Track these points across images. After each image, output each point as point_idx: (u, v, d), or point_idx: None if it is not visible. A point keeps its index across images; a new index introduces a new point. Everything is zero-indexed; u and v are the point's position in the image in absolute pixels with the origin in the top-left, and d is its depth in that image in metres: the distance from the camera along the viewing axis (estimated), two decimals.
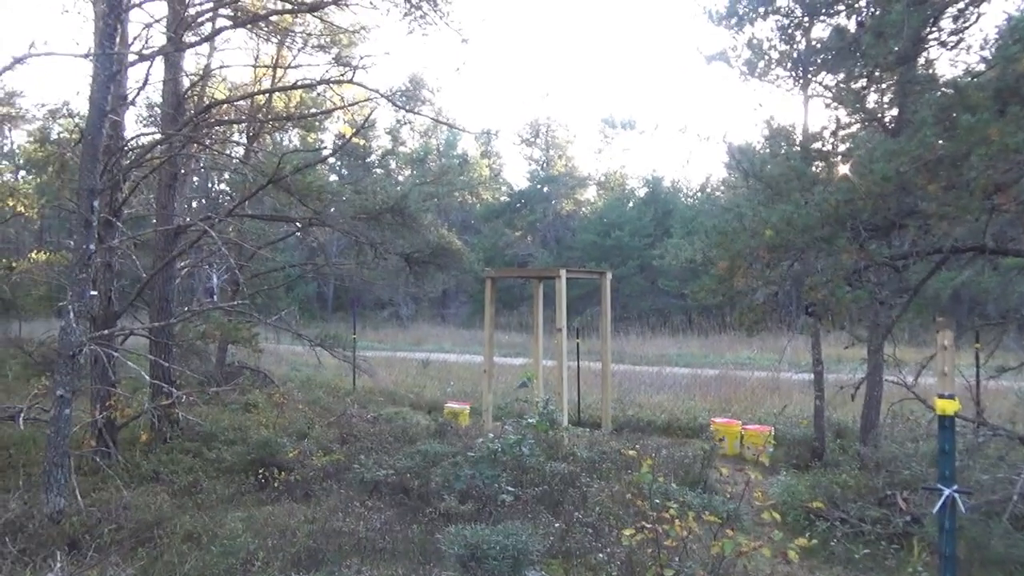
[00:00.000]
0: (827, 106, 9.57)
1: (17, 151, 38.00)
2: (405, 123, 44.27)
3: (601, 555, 5.97)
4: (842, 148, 8.37)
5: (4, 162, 36.71)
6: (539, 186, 46.39)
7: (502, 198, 49.05)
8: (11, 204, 19.29)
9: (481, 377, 13.26)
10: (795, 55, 9.84)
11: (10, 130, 32.28)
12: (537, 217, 44.25)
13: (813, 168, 7.51)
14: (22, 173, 36.04)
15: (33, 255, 18.60)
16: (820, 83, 9.92)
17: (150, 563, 5.96)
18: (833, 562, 6.57)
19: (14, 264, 17.64)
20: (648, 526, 4.35)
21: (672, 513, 4.40)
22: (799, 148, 7.76)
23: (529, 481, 7.92)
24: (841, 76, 9.13)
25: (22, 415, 9.60)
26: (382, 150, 46.19)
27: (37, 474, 7.80)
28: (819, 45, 9.56)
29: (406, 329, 34.05)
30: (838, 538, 6.84)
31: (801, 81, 9.99)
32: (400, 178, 43.10)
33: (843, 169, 7.48)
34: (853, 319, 7.01)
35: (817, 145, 8.18)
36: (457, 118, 53.22)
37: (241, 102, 13.74)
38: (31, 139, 21.96)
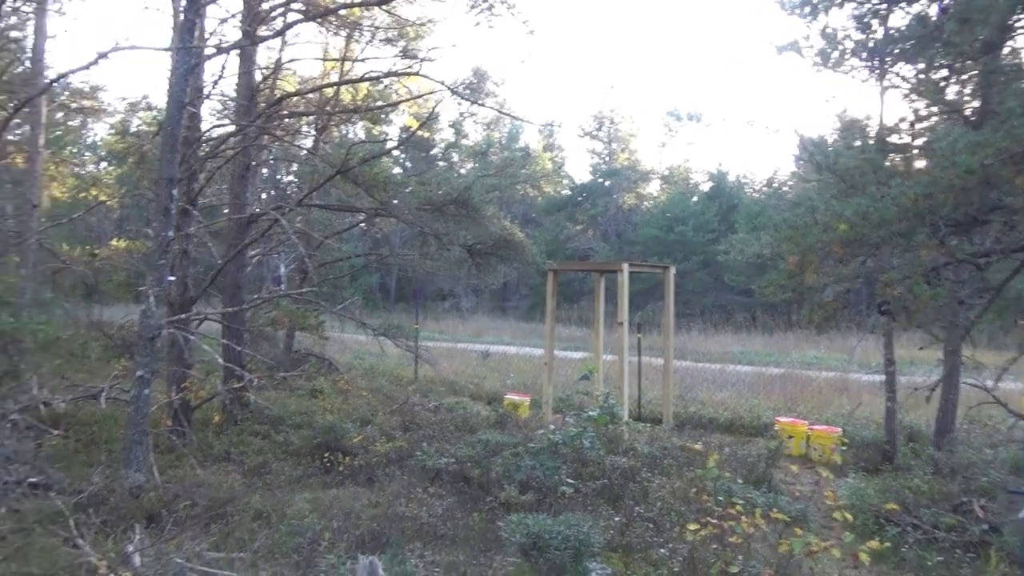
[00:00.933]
0: (905, 97, 9.21)
1: (99, 143, 39.73)
2: (468, 115, 44.57)
3: (663, 550, 5.93)
4: (920, 141, 8.07)
5: (87, 153, 38.41)
6: (601, 179, 46.04)
7: (564, 191, 48.89)
8: (95, 193, 20.22)
9: (541, 369, 13.28)
10: (871, 44, 9.49)
11: (93, 123, 33.69)
12: (599, 211, 43.94)
13: (889, 161, 7.27)
14: (103, 164, 37.69)
15: (114, 243, 19.46)
16: (897, 73, 9.54)
17: (222, 539, 6.19)
18: (904, 568, 6.36)
19: (96, 251, 18.50)
20: (713, 522, 4.29)
21: (739, 509, 4.33)
22: (875, 140, 7.51)
23: (589, 474, 7.91)
24: (921, 66, 8.78)
25: (103, 394, 10.10)
26: (445, 143, 46.56)
27: (118, 450, 8.16)
28: (897, 34, 9.21)
29: (466, 321, 34.32)
30: (910, 544, 6.62)
31: (877, 72, 9.63)
32: (462, 171, 43.35)
33: (921, 162, 7.22)
34: (930, 319, 6.75)
35: (894, 138, 7.91)
36: (520, 110, 53.29)
37: (311, 95, 14.04)
38: (112, 131, 22.98)
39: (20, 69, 15.39)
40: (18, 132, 17.90)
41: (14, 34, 15.52)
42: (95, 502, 6.70)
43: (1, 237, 7.69)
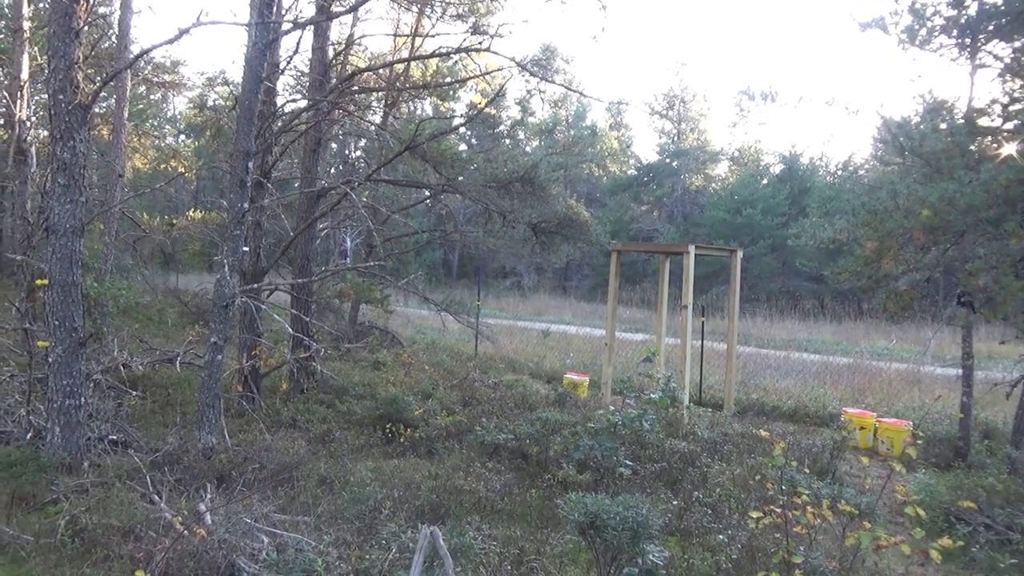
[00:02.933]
0: (997, 77, 8.72)
1: (179, 116, 41.09)
2: (536, 93, 44.07)
3: (721, 536, 5.86)
4: (1013, 124, 7.64)
5: (167, 126, 39.79)
6: (668, 160, 45.28)
7: (630, 171, 48.28)
8: (174, 165, 20.98)
9: (601, 350, 13.22)
10: (963, 21, 9.01)
11: (173, 96, 34.86)
12: (665, 192, 43.27)
13: (978, 144, 6.91)
14: (182, 137, 39.02)
15: (190, 213, 20.22)
16: (990, 52, 9.04)
17: (288, 502, 6.40)
18: (974, 569, 6.14)
19: (174, 221, 19.26)
20: (777, 511, 4.21)
21: (804, 499, 4.24)
22: (963, 123, 7.14)
23: (648, 457, 7.88)
24: (1017, 44, 8.30)
25: (179, 358, 10.53)
26: (512, 120, 46.46)
27: (191, 413, 8.51)
28: (993, 9, 8.71)
29: (527, 299, 34.39)
30: (981, 544, 6.38)
31: (968, 50, 9.14)
32: (528, 148, 43.24)
33: (1013, 146, 6.84)
34: (1016, 311, 6.42)
35: (984, 120, 7.52)
36: (589, 88, 52.67)
37: (381, 70, 14.17)
38: (191, 105, 23.74)
39: (107, 44, 15.99)
40: (104, 105, 18.67)
41: (102, 9, 16.10)
42: (170, 461, 7.03)
43: (88, 206, 8.07)
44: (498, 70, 12.80)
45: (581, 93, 12.94)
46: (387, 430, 8.81)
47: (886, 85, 57.16)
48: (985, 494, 7.27)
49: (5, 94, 13.10)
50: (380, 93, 14.84)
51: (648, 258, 35.32)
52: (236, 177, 7.55)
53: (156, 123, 34.23)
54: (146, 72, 19.44)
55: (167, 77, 20.55)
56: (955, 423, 9.62)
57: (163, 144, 24.28)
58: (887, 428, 10.08)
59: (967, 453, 9.06)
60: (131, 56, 13.87)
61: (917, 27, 9.21)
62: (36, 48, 14.12)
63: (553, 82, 12.57)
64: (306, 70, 13.00)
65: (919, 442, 9.38)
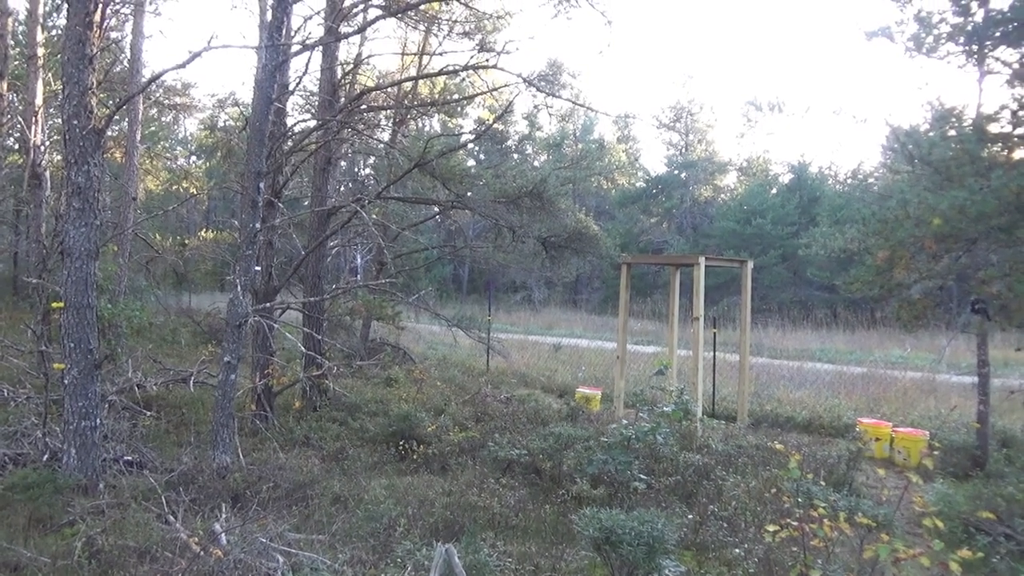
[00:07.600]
0: (1006, 83, 8.70)
1: (190, 138, 41.49)
2: (543, 107, 44.21)
3: (738, 550, 5.82)
4: (1023, 130, 7.62)
5: (179, 148, 40.15)
6: (677, 171, 45.26)
7: (638, 184, 48.27)
8: (186, 186, 21.19)
9: (613, 363, 13.19)
10: (969, 28, 9.00)
11: (184, 118, 35.19)
12: (674, 203, 43.22)
13: (988, 151, 6.88)
14: (193, 158, 39.39)
15: (202, 233, 20.40)
16: (998, 58, 9.02)
17: (302, 520, 6.40)
18: None
19: (186, 241, 19.43)
20: (794, 524, 4.18)
21: (821, 512, 4.21)
22: (972, 129, 7.11)
23: (662, 470, 7.84)
24: None
25: (192, 378, 10.57)
26: (519, 135, 46.58)
27: (205, 432, 8.54)
28: (999, 16, 8.70)
29: (538, 313, 34.34)
30: (1002, 555, 6.29)
31: (975, 57, 9.12)
32: (536, 163, 43.33)
33: None
34: None
35: (993, 127, 7.49)
36: (596, 102, 52.87)
37: (389, 89, 14.28)
38: (202, 126, 24.00)
39: (119, 69, 16.21)
40: (116, 128, 18.90)
41: (113, 35, 16.34)
42: (185, 481, 7.05)
43: (102, 228, 8.19)
44: (505, 86, 12.89)
45: (588, 107, 13.06)
46: (400, 447, 8.81)
47: (894, 93, 57.18)
48: (1005, 504, 7.18)
49: (20, 119, 13.29)
50: (388, 111, 14.95)
51: (658, 270, 35.27)
52: (247, 197, 7.63)
53: (168, 145, 34.55)
54: (158, 95, 19.67)
55: (178, 99, 20.78)
56: (972, 432, 9.52)
57: (175, 165, 24.55)
58: (903, 438, 9.98)
59: (985, 462, 8.96)
60: (143, 80, 14.06)
61: (923, 35, 9.21)
62: (50, 74, 14.33)
63: (560, 97, 12.60)
64: (315, 90, 13.14)
65: (936, 452, 9.32)
